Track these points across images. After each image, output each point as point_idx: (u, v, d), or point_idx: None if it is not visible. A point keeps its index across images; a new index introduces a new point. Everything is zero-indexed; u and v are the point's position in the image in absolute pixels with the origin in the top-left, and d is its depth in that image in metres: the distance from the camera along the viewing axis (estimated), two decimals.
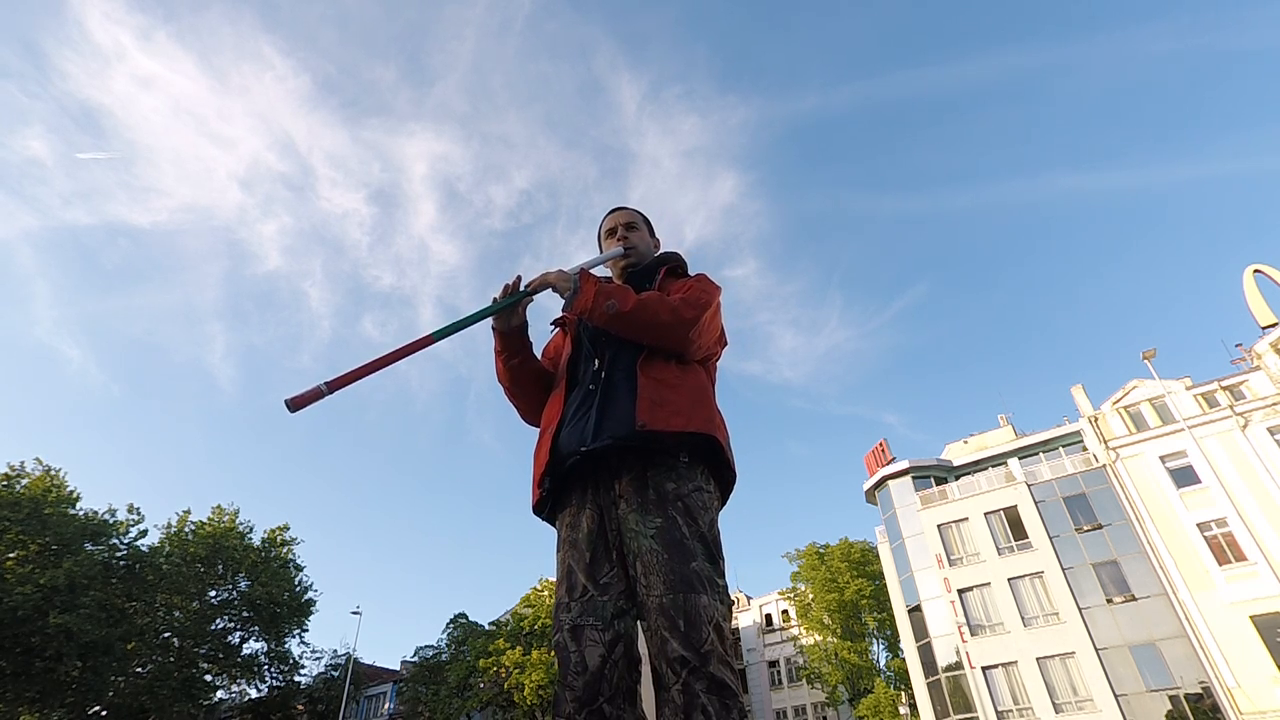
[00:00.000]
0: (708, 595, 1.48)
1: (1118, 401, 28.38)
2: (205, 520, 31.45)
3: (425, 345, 1.70)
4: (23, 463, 27.07)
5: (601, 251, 2.11)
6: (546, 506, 1.79)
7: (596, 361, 1.81)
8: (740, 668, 42.77)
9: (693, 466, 1.64)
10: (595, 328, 1.82)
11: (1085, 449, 28.65)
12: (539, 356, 2.08)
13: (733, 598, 48.62)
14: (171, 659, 28.98)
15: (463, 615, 35.69)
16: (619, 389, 1.71)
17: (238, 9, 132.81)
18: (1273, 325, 26.35)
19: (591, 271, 1.90)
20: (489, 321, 1.90)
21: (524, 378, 1.96)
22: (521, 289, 1.86)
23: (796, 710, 39.69)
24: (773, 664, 41.85)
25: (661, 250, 2.17)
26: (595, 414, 1.68)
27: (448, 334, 1.73)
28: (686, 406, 1.65)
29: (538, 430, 1.89)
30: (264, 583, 30.89)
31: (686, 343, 1.75)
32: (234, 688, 32.67)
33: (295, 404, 1.46)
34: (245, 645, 31.87)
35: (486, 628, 34.63)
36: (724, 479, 1.76)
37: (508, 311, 1.89)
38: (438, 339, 1.71)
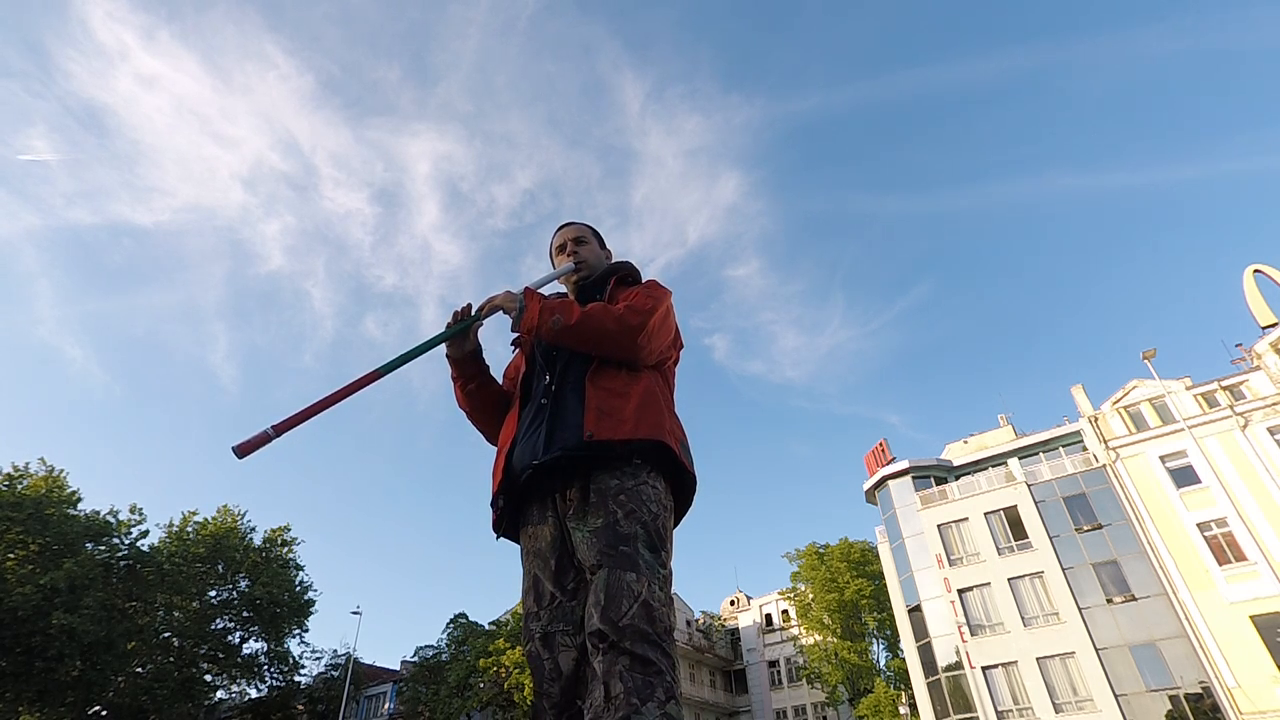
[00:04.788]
0: (635, 573, 1.45)
1: (1118, 401, 28.36)
2: (209, 519, 31.52)
3: (373, 380, 1.65)
4: (27, 463, 27.18)
5: (554, 269, 2.09)
6: (504, 525, 1.78)
7: (548, 376, 1.80)
8: (740, 668, 43.23)
9: (642, 468, 1.62)
10: (546, 343, 1.81)
11: (1085, 449, 28.63)
12: (500, 379, 2.07)
13: (733, 597, 48.73)
14: (171, 659, 29.00)
15: (463, 615, 35.68)
16: (568, 402, 1.70)
17: (241, 8, 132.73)
18: (1273, 325, 26.32)
19: (539, 290, 1.89)
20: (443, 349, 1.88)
21: (482, 402, 1.96)
22: (471, 315, 1.84)
23: (796, 710, 39.69)
24: (773, 664, 41.83)
25: (614, 260, 2.17)
26: (546, 428, 1.67)
27: (397, 366, 1.68)
28: (633, 414, 1.63)
29: None
30: (264, 583, 30.86)
31: (636, 349, 1.73)
32: (234, 688, 32.65)
33: (242, 450, 1.44)
34: (245, 645, 31.84)
35: (486, 627, 34.61)
36: (683, 484, 1.73)
37: (459, 338, 1.87)
38: (385, 372, 1.66)
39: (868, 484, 33.38)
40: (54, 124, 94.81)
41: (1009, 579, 27.10)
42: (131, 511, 29.09)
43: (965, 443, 33.32)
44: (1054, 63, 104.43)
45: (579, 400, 1.68)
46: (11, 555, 24.52)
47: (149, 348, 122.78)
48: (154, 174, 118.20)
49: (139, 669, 27.80)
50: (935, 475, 31.81)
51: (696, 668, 41.68)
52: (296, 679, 34.39)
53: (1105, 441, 27.42)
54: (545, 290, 1.98)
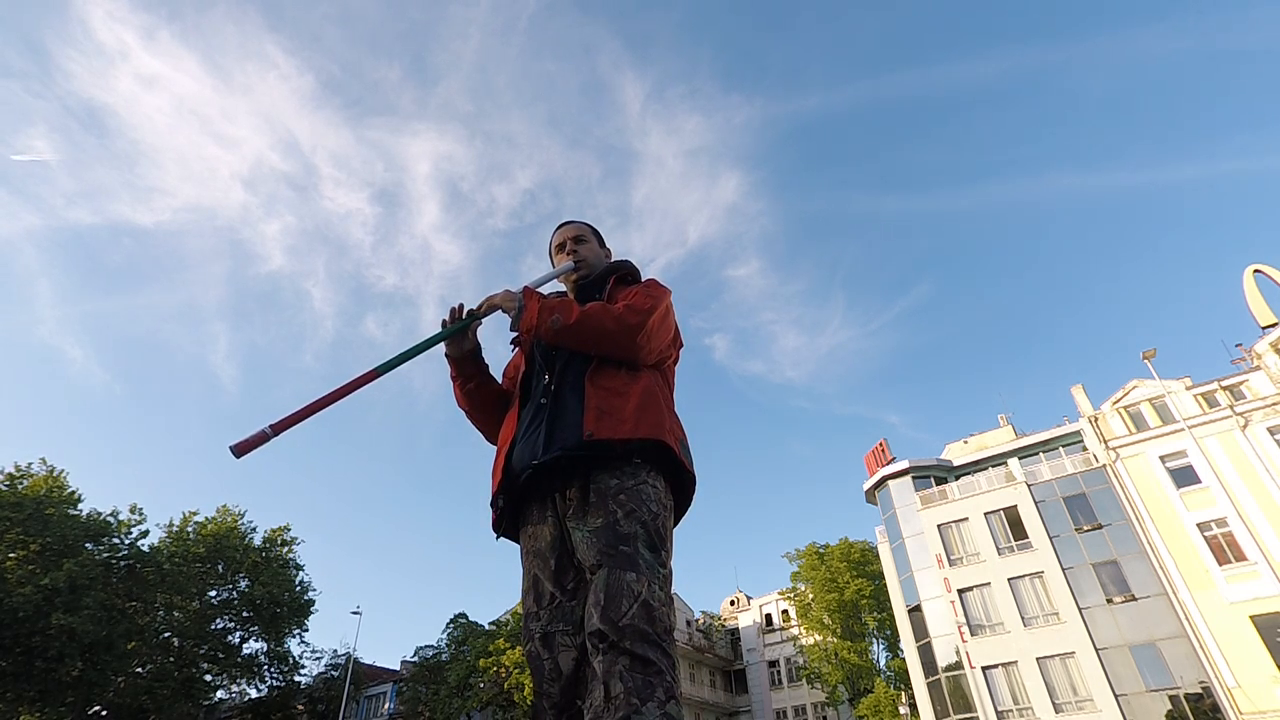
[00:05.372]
0: (635, 573, 1.45)
1: (1118, 401, 28.36)
2: (209, 519, 31.53)
3: (370, 380, 1.64)
4: (29, 464, 27.16)
5: (553, 268, 2.08)
6: (503, 525, 1.77)
7: (547, 376, 1.80)
8: (740, 668, 43.22)
9: (641, 467, 1.62)
10: (546, 343, 1.81)
11: (1085, 449, 28.63)
12: (500, 377, 2.06)
13: (733, 597, 48.72)
14: (171, 659, 29.00)
15: (463, 615, 35.66)
16: (568, 401, 1.70)
17: (241, 8, 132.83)
18: (1273, 325, 26.32)
19: (538, 289, 1.88)
20: (442, 348, 1.88)
21: (481, 401, 1.96)
22: (469, 314, 1.83)
23: (796, 710, 39.69)
24: (773, 664, 41.83)
25: (613, 259, 2.16)
26: (545, 428, 1.67)
27: (395, 365, 1.67)
28: (633, 413, 1.63)
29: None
30: (264, 583, 30.87)
31: (636, 348, 1.73)
32: (234, 688, 32.69)
33: (240, 449, 1.43)
34: (245, 645, 31.86)
35: (486, 627, 34.60)
36: (683, 483, 1.73)
37: (459, 337, 1.86)
38: (384, 372, 1.65)
39: (868, 484, 33.38)
40: (54, 124, 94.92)
41: (1009, 579, 27.09)
42: (131, 511, 29.10)
43: (965, 443, 33.32)
44: (1054, 63, 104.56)
45: (578, 400, 1.68)
46: (12, 555, 24.50)
47: (149, 348, 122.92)
48: (154, 174, 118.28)
49: (139, 669, 27.80)
50: (935, 475, 31.81)
51: (696, 668, 41.67)
52: (296, 679, 34.38)
53: (1105, 441, 27.42)
54: (545, 289, 1.97)
